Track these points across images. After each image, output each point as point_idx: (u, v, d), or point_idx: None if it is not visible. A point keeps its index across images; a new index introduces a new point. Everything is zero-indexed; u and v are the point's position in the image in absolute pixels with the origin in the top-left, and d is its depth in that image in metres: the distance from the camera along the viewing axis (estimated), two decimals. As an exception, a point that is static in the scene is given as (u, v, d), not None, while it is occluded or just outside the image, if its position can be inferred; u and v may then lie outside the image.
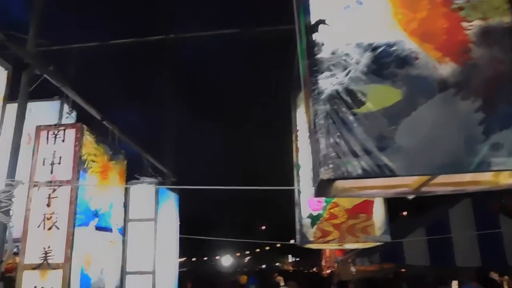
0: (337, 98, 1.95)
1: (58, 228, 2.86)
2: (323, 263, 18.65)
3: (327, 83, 1.98)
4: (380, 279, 10.02)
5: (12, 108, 2.87)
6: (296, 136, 5.19)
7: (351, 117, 1.92)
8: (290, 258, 55.37)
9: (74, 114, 3.83)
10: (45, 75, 3.15)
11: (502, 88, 1.89)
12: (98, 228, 3.24)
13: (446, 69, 1.95)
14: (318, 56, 2.03)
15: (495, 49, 1.94)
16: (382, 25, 2.03)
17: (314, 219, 4.80)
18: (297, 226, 4.89)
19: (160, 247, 4.25)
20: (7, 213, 2.68)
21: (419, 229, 8.77)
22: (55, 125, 3.11)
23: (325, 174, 1.86)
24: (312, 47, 2.06)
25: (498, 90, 1.88)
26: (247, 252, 68.17)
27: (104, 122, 3.51)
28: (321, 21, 2.06)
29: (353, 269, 11.44)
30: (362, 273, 11.27)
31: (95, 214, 3.17)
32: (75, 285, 2.83)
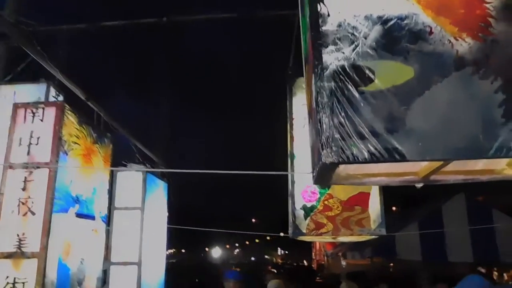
0: (342, 75, 1.76)
1: (33, 214, 2.63)
2: (313, 256, 18.64)
3: (332, 58, 1.79)
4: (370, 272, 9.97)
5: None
6: (292, 125, 5.04)
7: (357, 96, 1.74)
8: (279, 251, 55.61)
9: (61, 97, 3.61)
10: (28, 52, 2.92)
11: (525, 67, 1.71)
12: (79, 215, 3.02)
13: (463, 45, 1.77)
14: (323, 28, 1.83)
15: (518, 24, 1.76)
16: (394, -5, 1.84)
17: (308, 211, 4.66)
18: (290, 218, 4.74)
19: (147, 237, 4.05)
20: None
21: (412, 223, 8.68)
22: (34, 103, 2.87)
23: (327, 157, 1.67)
24: (316, 19, 1.86)
25: (520, 69, 1.71)
26: (237, 245, 68.43)
27: (89, 103, 3.28)
28: (327, -11, 1.87)
29: (343, 262, 11.38)
30: (353, 266, 11.22)
31: (76, 200, 2.95)
32: (52, 275, 2.62)
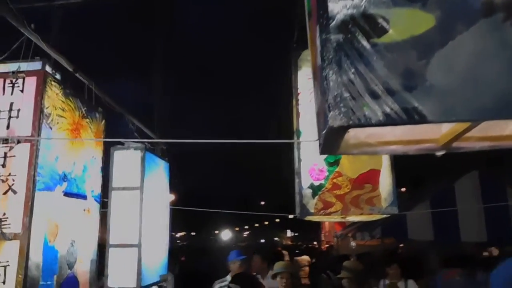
0: (352, 25, 1.52)
1: (15, 192, 2.44)
2: (322, 237, 18.55)
3: (339, 7, 1.54)
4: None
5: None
6: (297, 100, 4.82)
7: (369, 49, 1.50)
8: (289, 233, 55.85)
9: (58, 76, 3.40)
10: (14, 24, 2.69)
11: None
12: (68, 194, 2.83)
13: (493, -13, 1.51)
14: (328, -28, 1.58)
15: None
16: None
17: (316, 190, 4.47)
18: (297, 197, 4.56)
19: (147, 218, 3.88)
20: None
21: (423, 202, 8.44)
22: (13, 72, 2.65)
23: (335, 120, 1.44)
24: (320, -38, 1.61)
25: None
26: (246, 227, 68.97)
27: (77, 75, 3.06)
28: None
29: (353, 243, 11.24)
30: (362, 247, 11.08)
31: (64, 178, 2.76)
32: (37, 258, 2.45)
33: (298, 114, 4.73)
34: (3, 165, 2.47)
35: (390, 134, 1.76)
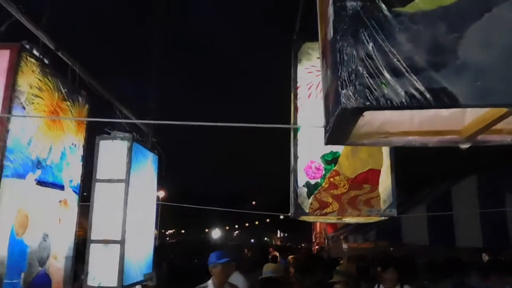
0: (371, -9, 1.29)
1: (-23, 179, 2.18)
2: (313, 239, 18.38)
3: (357, -30, 1.32)
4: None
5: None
6: (296, 95, 4.60)
7: (392, 19, 1.28)
8: (279, 233, 55.72)
9: (46, 61, 3.15)
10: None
11: None
12: (41, 182, 2.56)
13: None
14: None
15: None
16: None
17: (312, 189, 4.25)
18: (292, 196, 4.33)
19: (132, 213, 3.62)
20: None
21: (419, 206, 8.26)
22: (-17, 44, 2.39)
23: (349, 100, 1.22)
24: None
25: None
26: (236, 226, 68.83)
27: (59, 53, 2.80)
28: None
29: (345, 246, 11.06)
30: (355, 250, 10.90)
31: (37, 165, 2.49)
32: (1, 253, 2.18)
33: (296, 108, 4.51)
34: (-35, 148, 2.19)
35: (408, 123, 1.54)
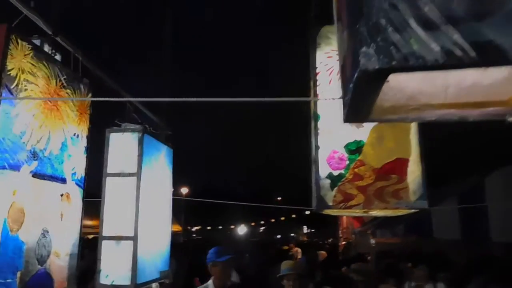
0: None
1: (-35, 171, 2.04)
2: (340, 234, 18.07)
3: None
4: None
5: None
6: (315, 81, 4.37)
7: (422, -41, 1.03)
8: (305, 229, 55.43)
9: (58, 56, 3.03)
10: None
11: None
12: (38, 175, 2.42)
13: None
14: None
15: None
16: None
17: (335, 180, 4.01)
18: (314, 189, 4.09)
19: (145, 208, 3.47)
20: None
21: (450, 198, 7.87)
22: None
23: (370, 61, 0.98)
24: None
25: None
26: (262, 222, 68.93)
27: (58, 39, 2.65)
28: None
29: (372, 241, 10.75)
30: (382, 245, 10.57)
31: (33, 156, 2.35)
32: (-8, 250, 2.04)
33: (316, 96, 4.27)
34: (-49, 136, 2.05)
35: (442, 94, 1.28)
